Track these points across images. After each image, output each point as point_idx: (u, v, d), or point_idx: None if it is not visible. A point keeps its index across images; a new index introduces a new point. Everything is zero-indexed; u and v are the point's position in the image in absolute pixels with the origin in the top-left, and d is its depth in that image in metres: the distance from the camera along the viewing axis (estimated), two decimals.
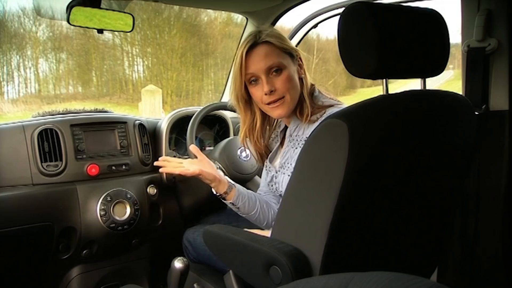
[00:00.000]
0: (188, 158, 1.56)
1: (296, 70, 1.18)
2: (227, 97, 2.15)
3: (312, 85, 1.21)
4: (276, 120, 1.30)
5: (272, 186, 1.28)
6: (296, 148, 1.17)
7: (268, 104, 1.15)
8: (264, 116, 1.25)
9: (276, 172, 1.24)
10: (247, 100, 1.21)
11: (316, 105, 1.16)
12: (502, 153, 1.20)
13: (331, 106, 1.14)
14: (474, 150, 1.04)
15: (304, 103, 1.16)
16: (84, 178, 1.52)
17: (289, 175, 1.16)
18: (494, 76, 1.21)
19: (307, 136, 1.14)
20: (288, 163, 1.19)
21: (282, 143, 1.28)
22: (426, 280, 0.42)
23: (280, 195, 1.27)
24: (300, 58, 1.20)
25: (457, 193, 1.06)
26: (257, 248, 0.90)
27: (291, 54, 1.17)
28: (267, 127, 1.30)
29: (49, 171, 1.46)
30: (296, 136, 1.18)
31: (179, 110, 1.81)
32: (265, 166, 1.32)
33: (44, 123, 1.49)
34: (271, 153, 1.29)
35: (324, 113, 1.13)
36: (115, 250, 1.61)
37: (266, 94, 1.13)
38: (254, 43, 1.14)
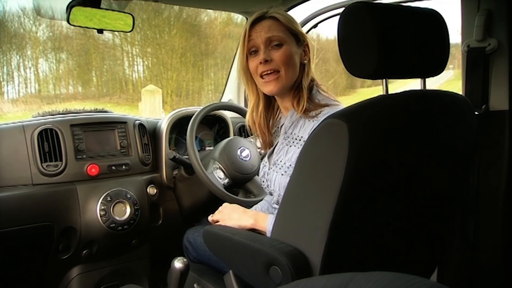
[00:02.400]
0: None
1: (299, 53, 1.16)
2: (227, 97, 2.15)
3: (312, 80, 1.20)
4: (278, 110, 1.28)
5: (264, 182, 1.27)
6: (290, 146, 1.16)
7: (262, 77, 1.14)
8: (268, 99, 1.25)
9: (269, 169, 1.23)
10: (251, 75, 1.20)
11: (313, 103, 1.15)
12: (502, 153, 1.20)
13: (328, 105, 1.13)
14: (474, 150, 1.04)
15: (301, 92, 1.15)
16: (84, 178, 1.52)
17: (282, 174, 1.15)
18: (494, 76, 1.21)
19: (302, 134, 1.13)
20: (280, 160, 1.17)
21: None
22: (426, 280, 0.42)
23: (270, 193, 1.26)
24: (307, 44, 1.18)
25: (457, 193, 1.06)
26: (257, 248, 0.90)
27: (297, 37, 1.16)
28: (271, 117, 1.29)
29: (49, 171, 1.46)
30: (291, 134, 1.17)
31: (179, 110, 1.82)
32: (262, 161, 1.31)
33: (44, 123, 1.49)
34: (270, 149, 1.27)
35: (321, 112, 1.12)
36: (115, 250, 1.61)
37: (260, 63, 1.12)
38: (261, 17, 1.15)
